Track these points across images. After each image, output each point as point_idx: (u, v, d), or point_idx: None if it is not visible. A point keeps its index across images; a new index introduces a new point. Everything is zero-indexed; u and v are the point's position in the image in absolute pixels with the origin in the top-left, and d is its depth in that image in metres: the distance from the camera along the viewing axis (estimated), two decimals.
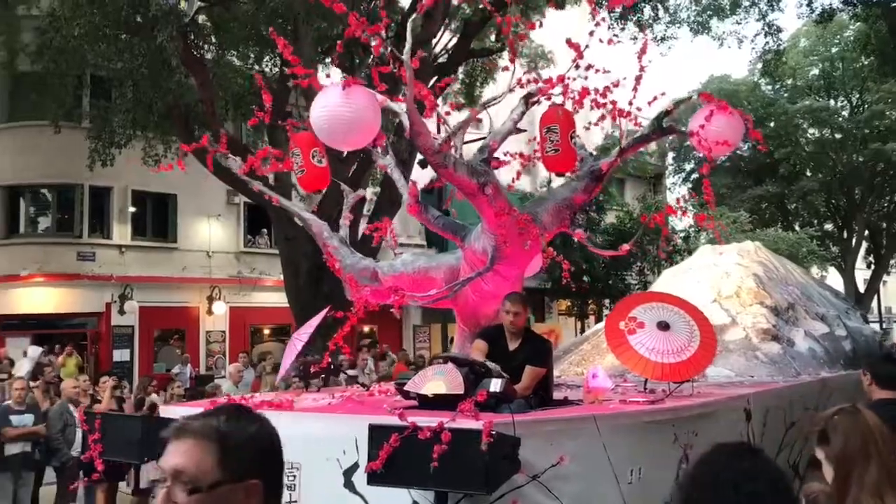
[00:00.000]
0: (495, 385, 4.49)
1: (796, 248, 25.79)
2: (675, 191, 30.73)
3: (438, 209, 5.93)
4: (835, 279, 31.38)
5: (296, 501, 4.41)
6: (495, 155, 5.32)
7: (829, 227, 32.68)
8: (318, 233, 6.35)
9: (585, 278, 23.33)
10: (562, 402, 5.04)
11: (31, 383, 10.03)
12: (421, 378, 4.64)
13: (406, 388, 4.64)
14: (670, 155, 32.56)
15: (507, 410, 4.58)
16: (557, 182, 6.20)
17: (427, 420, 3.74)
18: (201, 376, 18.24)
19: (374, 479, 3.73)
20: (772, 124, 29.56)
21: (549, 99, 5.06)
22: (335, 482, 4.23)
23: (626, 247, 5.60)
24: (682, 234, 25.27)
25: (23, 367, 13.46)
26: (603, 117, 5.11)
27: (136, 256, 20.88)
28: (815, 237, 29.40)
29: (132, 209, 21.08)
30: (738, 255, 10.21)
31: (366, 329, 24.56)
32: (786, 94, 31.00)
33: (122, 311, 20.25)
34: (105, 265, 20.18)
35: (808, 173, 31.41)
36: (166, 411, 5.31)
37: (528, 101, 5.18)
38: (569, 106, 5.10)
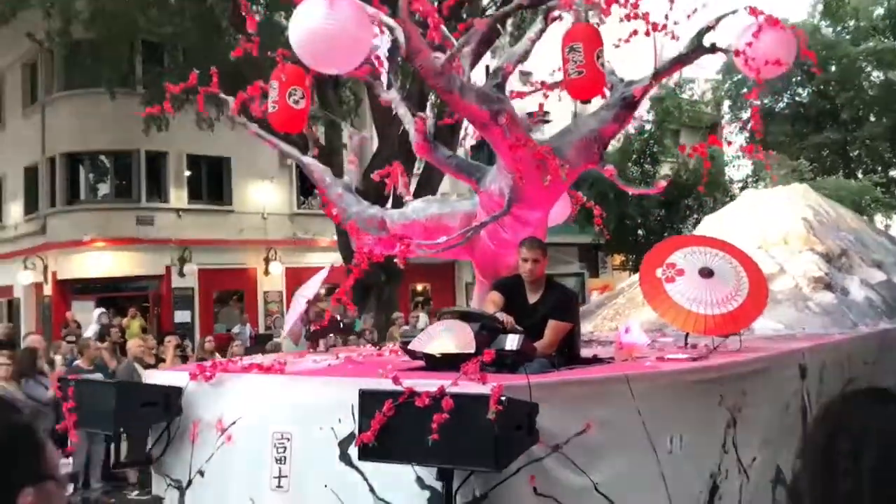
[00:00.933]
0: (511, 342, 3.90)
1: (859, 196, 24.48)
2: (733, 140, 29.54)
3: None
4: None
5: (286, 476, 3.89)
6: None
7: (894, 173, 31.24)
8: (319, 179, 5.77)
9: (640, 231, 22.59)
10: (590, 360, 4.44)
11: (99, 344, 10.39)
12: (427, 335, 4.07)
13: (410, 346, 4.07)
14: (726, 103, 31.16)
15: (526, 371, 4.02)
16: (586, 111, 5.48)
17: (427, 384, 3.18)
18: (261, 335, 18.41)
19: (365, 453, 3.19)
20: (833, 68, 28.09)
21: (572, 12, 4.36)
22: (330, 455, 3.69)
23: (662, 183, 4.91)
24: (739, 185, 24.27)
25: (90, 329, 14.05)
26: (635, 32, 4.41)
27: (194, 220, 21.24)
28: (879, 184, 28.02)
29: (188, 173, 21.47)
30: (786, 198, 9.45)
31: (419, 287, 24.74)
32: (848, 36, 29.39)
33: (181, 274, 20.65)
34: (164, 229, 20.67)
35: (872, 118, 29.92)
36: (150, 376, 4.81)
37: (548, 17, 4.50)
38: (594, 20, 4.41)
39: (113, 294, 20.13)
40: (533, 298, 4.52)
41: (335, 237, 15.82)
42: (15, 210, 22.85)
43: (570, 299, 4.53)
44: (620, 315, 8.15)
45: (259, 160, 20.97)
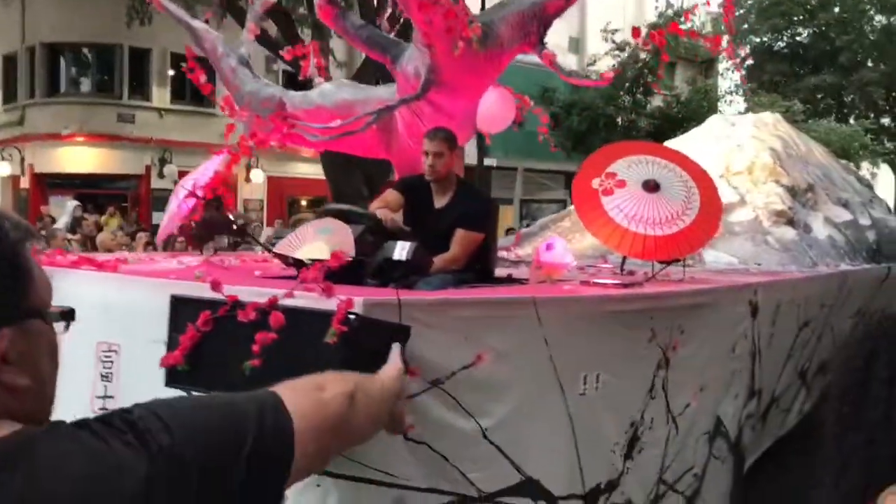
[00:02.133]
0: (400, 251, 3.15)
1: (849, 141, 23.94)
2: (728, 77, 28.56)
3: None
4: (886, 178, 29.87)
5: (111, 397, 3.14)
6: None
7: (885, 121, 30.70)
8: (210, 49, 4.87)
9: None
10: (502, 280, 3.70)
11: (70, 236, 10.20)
12: (298, 237, 3.28)
13: (276, 249, 3.29)
14: (725, 38, 29.93)
15: (426, 287, 3.28)
16: None
17: (261, 293, 2.41)
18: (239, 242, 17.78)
19: (174, 378, 2.43)
20: (836, 9, 27.45)
21: None
22: (158, 376, 2.93)
23: (609, 74, 4.08)
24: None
25: (61, 220, 13.87)
26: None
27: (176, 121, 20.71)
28: (869, 130, 27.45)
29: (171, 73, 20.66)
30: (754, 126, 8.70)
31: None
32: None
33: (161, 175, 20.19)
34: (145, 127, 20.26)
35: (870, 63, 29.26)
36: None
37: None
38: None
39: (91, 191, 19.70)
40: (440, 202, 3.75)
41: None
42: None
43: (483, 206, 3.75)
44: (566, 239, 7.43)
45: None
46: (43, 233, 11.98)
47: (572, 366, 3.02)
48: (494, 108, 5.89)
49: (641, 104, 22.13)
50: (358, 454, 2.51)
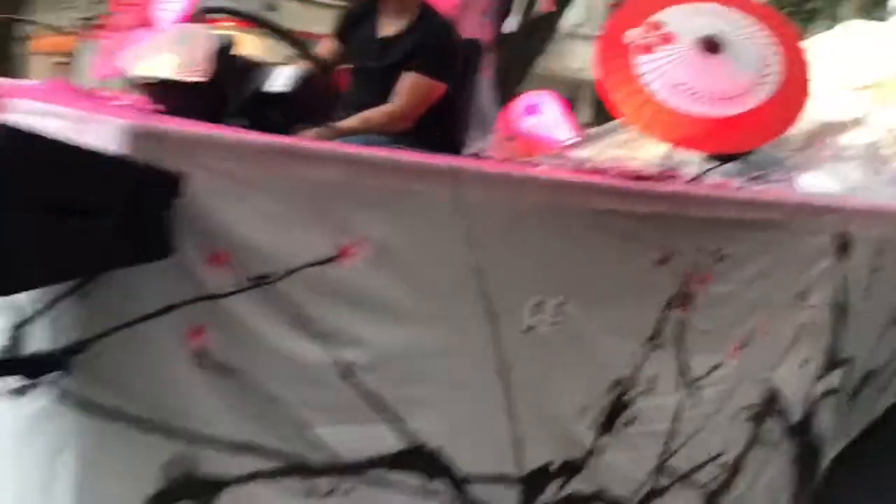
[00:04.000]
0: (277, 78, 2.07)
1: None
2: None
3: None
4: None
5: None
6: None
7: None
8: None
9: None
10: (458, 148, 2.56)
11: None
12: (152, 47, 2.23)
13: (118, 63, 2.26)
14: None
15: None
16: None
17: None
18: None
19: None
20: None
21: None
22: None
23: None
24: None
25: None
26: None
27: None
28: None
29: None
30: None
31: None
32: None
33: None
34: None
35: None
36: None
37: None
38: None
39: None
40: (387, 30, 2.61)
41: None
42: None
43: (446, 40, 2.57)
44: (634, 144, 6.14)
45: None
46: None
47: (515, 284, 1.92)
48: None
49: None
50: (121, 373, 1.54)
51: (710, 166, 2.69)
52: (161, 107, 2.21)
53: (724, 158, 2.68)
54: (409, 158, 1.83)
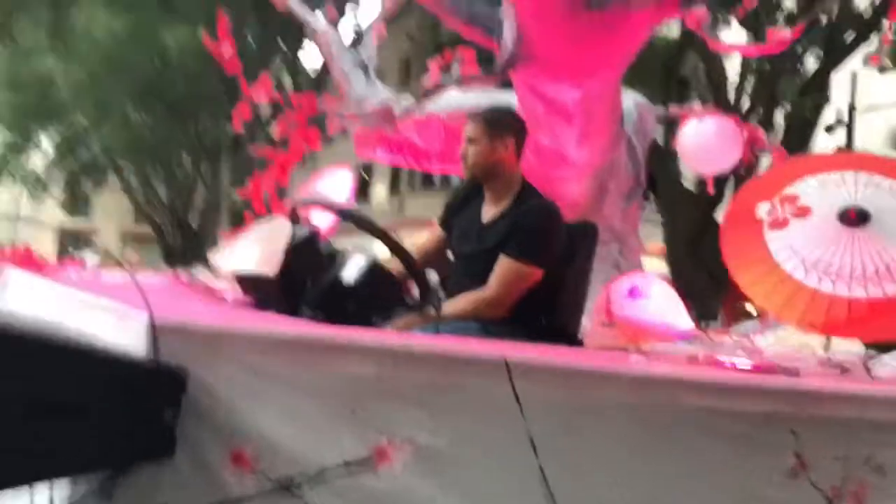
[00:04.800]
0: (351, 269, 2.01)
1: None
2: None
3: None
4: None
5: None
6: None
7: None
8: (325, 47, 4.13)
9: None
10: (565, 337, 2.32)
11: None
12: (241, 241, 2.27)
13: (210, 260, 2.30)
14: None
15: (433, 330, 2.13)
16: None
17: None
18: None
19: None
20: None
21: None
22: None
23: (785, 36, 2.47)
24: None
25: None
26: None
27: None
28: None
29: None
30: None
31: None
32: None
33: None
34: None
35: None
36: None
37: None
38: None
39: None
40: (490, 214, 2.52)
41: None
42: None
43: (545, 220, 2.41)
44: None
45: None
46: None
47: (591, 499, 1.62)
48: (710, 143, 4.50)
49: None
50: None
51: (871, 356, 2.27)
52: (249, 298, 2.23)
53: (884, 347, 2.25)
54: (456, 349, 1.65)
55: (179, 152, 20.11)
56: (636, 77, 14.90)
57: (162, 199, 23.04)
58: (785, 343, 4.90)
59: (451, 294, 2.47)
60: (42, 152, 24.14)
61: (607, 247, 3.95)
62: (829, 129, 15.23)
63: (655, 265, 17.56)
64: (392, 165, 3.73)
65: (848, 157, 2.77)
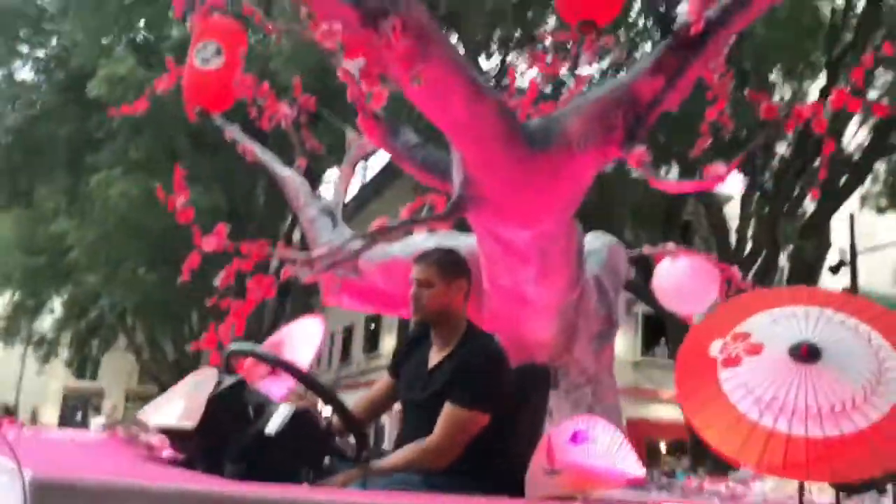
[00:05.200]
0: (275, 420, 1.94)
1: None
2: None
3: None
4: None
5: None
6: None
7: None
8: (292, 197, 4.22)
9: None
10: (516, 485, 2.17)
11: None
12: (169, 394, 2.21)
13: (139, 415, 2.23)
14: None
15: (360, 486, 2.03)
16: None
17: None
18: None
19: None
20: None
21: None
22: None
23: (719, 171, 2.51)
24: None
25: None
26: None
27: None
28: None
29: None
30: None
31: None
32: None
33: None
34: None
35: None
36: None
37: None
38: None
39: None
40: (436, 358, 2.45)
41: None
42: None
43: (490, 364, 2.33)
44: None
45: None
46: None
47: None
48: (685, 282, 4.50)
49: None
50: None
51: (840, 498, 2.13)
52: (177, 453, 2.14)
53: (852, 488, 2.11)
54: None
55: (189, 310, 20.27)
56: (639, 221, 15.09)
57: (168, 358, 23.04)
58: (783, 490, 4.66)
59: (400, 444, 2.37)
60: (51, 313, 24.43)
61: (580, 389, 3.85)
62: (833, 269, 15.31)
63: (671, 412, 17.13)
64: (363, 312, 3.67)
65: (798, 291, 2.72)
